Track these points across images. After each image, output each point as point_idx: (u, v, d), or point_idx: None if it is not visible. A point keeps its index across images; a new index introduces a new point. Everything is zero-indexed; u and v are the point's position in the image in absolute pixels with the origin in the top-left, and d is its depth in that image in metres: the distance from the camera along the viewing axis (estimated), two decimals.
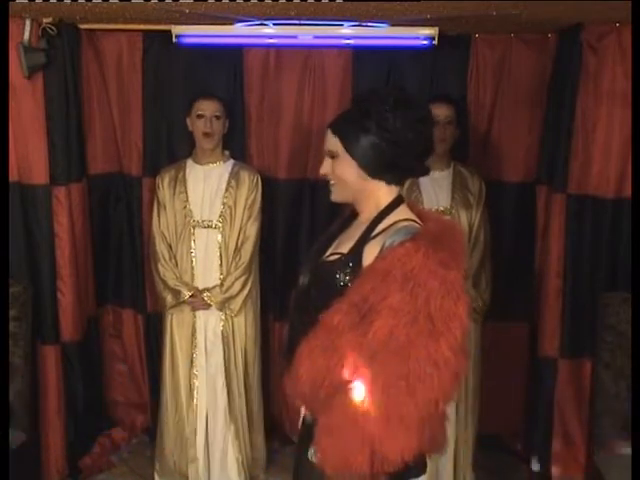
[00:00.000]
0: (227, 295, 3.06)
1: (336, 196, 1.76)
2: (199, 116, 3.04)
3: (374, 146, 1.64)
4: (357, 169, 1.68)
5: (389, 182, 1.70)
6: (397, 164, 1.67)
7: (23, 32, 2.90)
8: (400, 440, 1.48)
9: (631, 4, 2.15)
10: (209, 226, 3.08)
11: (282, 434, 3.66)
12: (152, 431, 3.65)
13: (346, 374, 1.52)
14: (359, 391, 1.51)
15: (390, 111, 1.62)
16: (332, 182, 1.74)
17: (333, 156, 1.71)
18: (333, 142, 1.70)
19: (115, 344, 3.77)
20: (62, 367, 3.25)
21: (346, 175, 1.69)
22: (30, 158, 3.07)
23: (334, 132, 1.70)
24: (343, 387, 1.53)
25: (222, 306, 3.07)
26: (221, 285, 3.06)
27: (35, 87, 3.02)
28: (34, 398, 3.09)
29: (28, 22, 2.91)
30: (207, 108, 3.04)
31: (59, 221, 3.15)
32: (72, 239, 3.20)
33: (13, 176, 3.05)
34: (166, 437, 3.20)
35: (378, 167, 1.67)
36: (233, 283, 3.06)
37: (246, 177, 3.13)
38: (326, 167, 1.73)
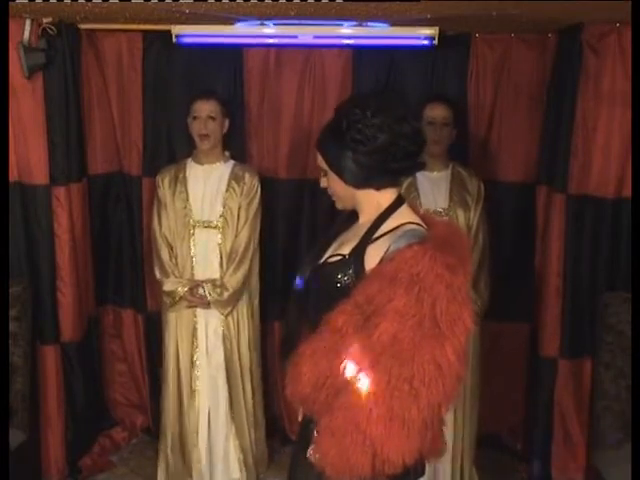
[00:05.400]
0: (224, 295, 3.05)
1: (339, 205, 1.81)
2: (194, 118, 3.06)
3: (353, 161, 1.66)
4: (344, 184, 1.71)
5: (378, 188, 1.70)
6: (382, 170, 1.67)
7: (23, 32, 2.90)
8: (402, 443, 1.48)
9: (631, 4, 2.15)
10: (209, 226, 3.09)
11: (282, 434, 3.66)
12: (152, 431, 3.66)
13: (349, 376, 1.52)
14: (362, 393, 1.51)
15: (361, 121, 1.62)
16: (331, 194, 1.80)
17: (324, 172, 1.76)
18: (320, 160, 1.76)
19: (115, 344, 3.77)
20: (62, 367, 3.25)
21: (337, 190, 1.75)
22: (30, 158, 3.07)
23: (318, 151, 1.76)
24: (345, 389, 1.53)
25: (218, 304, 3.06)
26: (220, 284, 3.05)
27: (35, 87, 3.02)
28: (34, 398, 3.09)
29: (28, 22, 2.91)
30: (201, 109, 3.05)
31: (59, 221, 3.15)
32: (72, 239, 3.20)
33: (13, 176, 3.05)
34: (169, 438, 3.19)
35: (362, 179, 1.69)
36: (230, 282, 3.05)
37: (247, 178, 3.13)
38: (323, 182, 1.80)
